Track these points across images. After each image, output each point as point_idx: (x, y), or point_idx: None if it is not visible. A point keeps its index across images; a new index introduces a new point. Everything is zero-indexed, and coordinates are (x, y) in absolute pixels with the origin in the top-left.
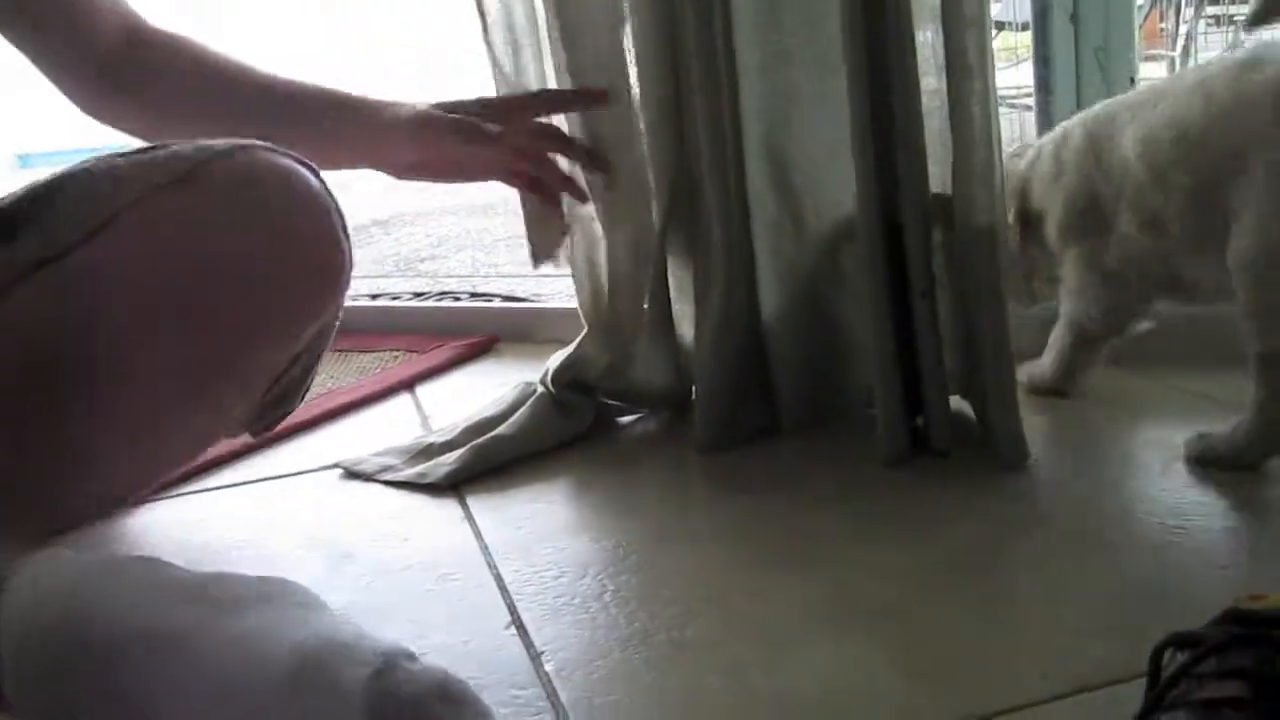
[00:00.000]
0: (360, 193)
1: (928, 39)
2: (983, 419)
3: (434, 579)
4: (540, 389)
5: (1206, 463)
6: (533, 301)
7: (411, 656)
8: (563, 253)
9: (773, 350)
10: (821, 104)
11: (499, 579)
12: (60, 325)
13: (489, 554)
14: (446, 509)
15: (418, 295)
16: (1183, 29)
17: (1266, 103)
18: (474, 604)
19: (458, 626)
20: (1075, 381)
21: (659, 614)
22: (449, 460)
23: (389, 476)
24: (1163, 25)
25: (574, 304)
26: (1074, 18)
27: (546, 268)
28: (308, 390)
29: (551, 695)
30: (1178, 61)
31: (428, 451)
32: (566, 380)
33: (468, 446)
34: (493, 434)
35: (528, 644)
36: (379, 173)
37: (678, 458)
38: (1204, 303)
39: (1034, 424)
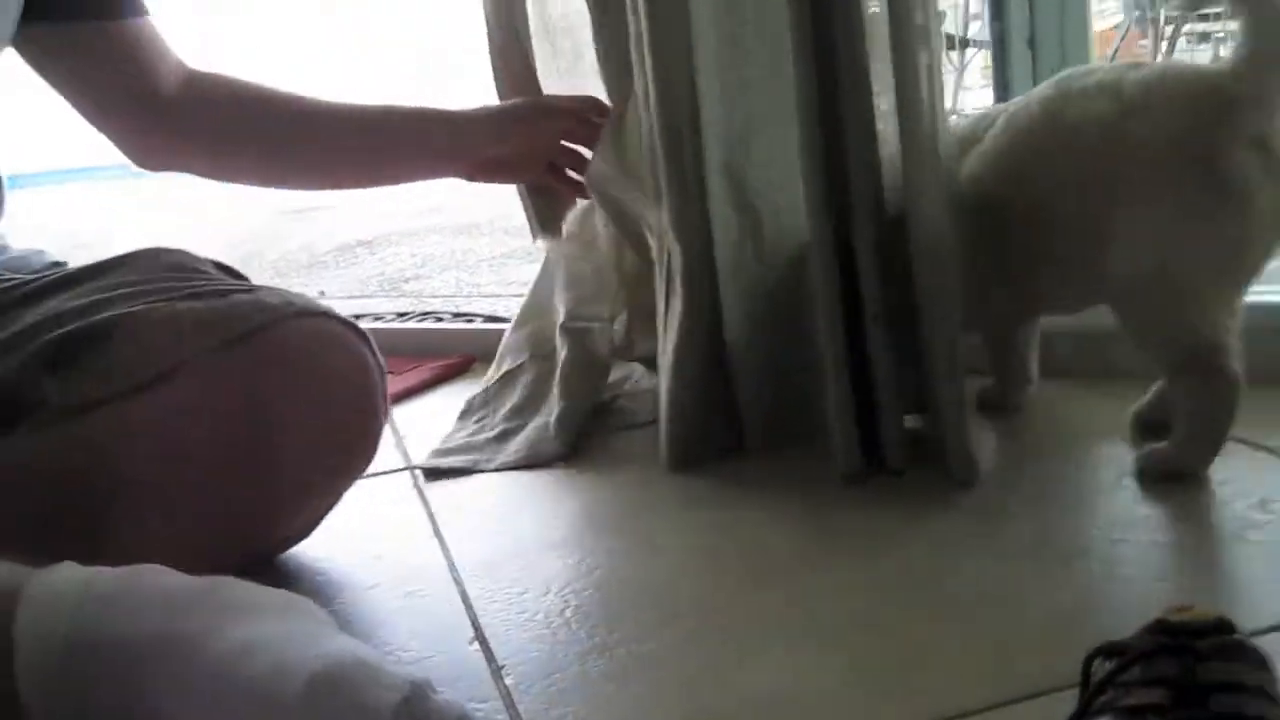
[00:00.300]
0: (346, 213)
1: (878, 67)
2: (936, 437)
3: (402, 595)
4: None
5: (1154, 477)
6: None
7: (434, 688)
8: (565, 227)
9: (737, 370)
10: (782, 129)
11: (464, 595)
12: (105, 462)
13: (455, 571)
14: (416, 526)
15: (401, 315)
16: (1162, 46)
17: (1094, 133)
18: (440, 620)
19: (423, 642)
20: (1014, 391)
21: (618, 629)
22: (549, 426)
23: (490, 465)
24: (1143, 43)
25: None
26: (1031, 42)
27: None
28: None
29: (510, 708)
30: None
31: (504, 436)
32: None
33: (559, 409)
34: (563, 398)
35: (489, 658)
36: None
37: (646, 475)
38: (1066, 313)
39: (989, 441)
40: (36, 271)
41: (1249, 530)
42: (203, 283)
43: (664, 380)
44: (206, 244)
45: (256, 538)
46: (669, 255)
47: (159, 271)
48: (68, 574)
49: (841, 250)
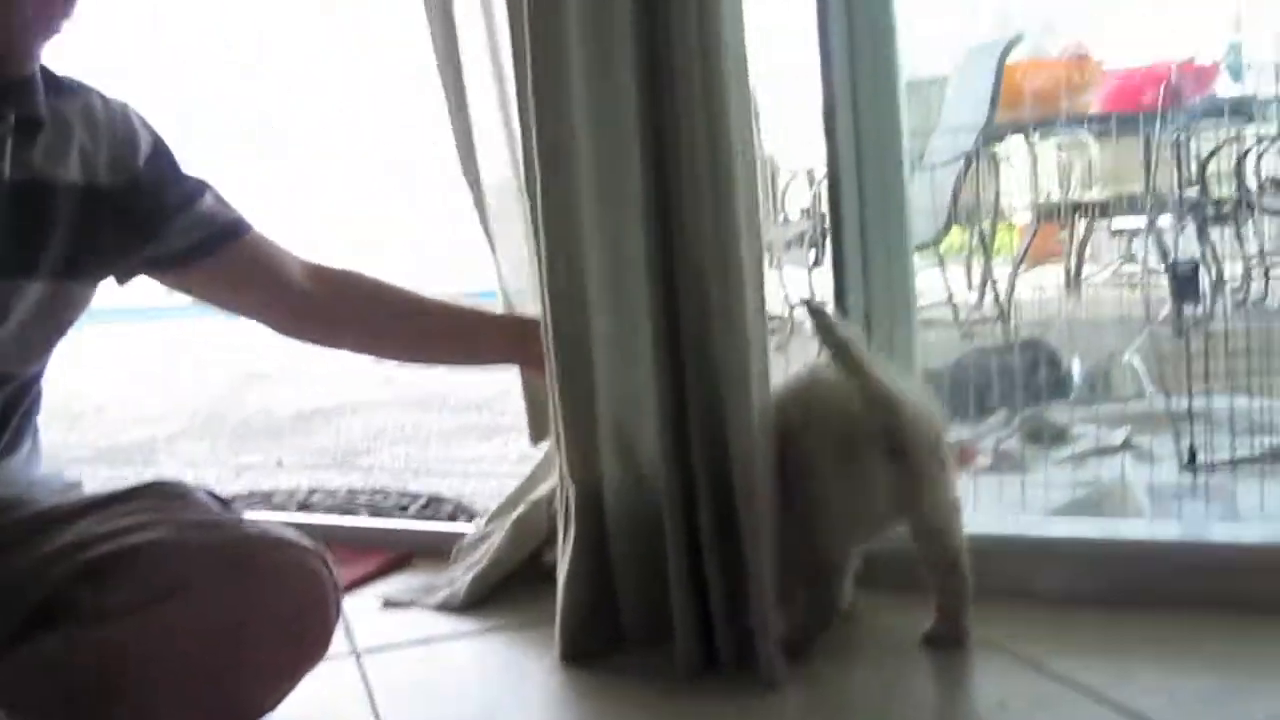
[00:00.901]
0: (303, 381)
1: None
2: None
3: None
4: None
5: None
6: (447, 513)
7: None
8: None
9: (619, 580)
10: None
11: None
12: (124, 657)
13: None
14: (359, 705)
15: (351, 492)
16: (1076, 240)
17: (804, 414)
18: None
19: None
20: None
21: None
22: (461, 586)
23: (423, 604)
24: (1061, 236)
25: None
26: (867, 321)
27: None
28: None
29: None
30: (1072, 269)
31: (450, 583)
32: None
33: (474, 572)
34: (488, 561)
35: None
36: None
37: (542, 665)
38: None
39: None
40: (58, 492)
41: None
42: (200, 514)
43: (560, 590)
44: (173, 408)
45: (234, 714)
46: (568, 493)
47: (166, 502)
48: None
49: (689, 500)
